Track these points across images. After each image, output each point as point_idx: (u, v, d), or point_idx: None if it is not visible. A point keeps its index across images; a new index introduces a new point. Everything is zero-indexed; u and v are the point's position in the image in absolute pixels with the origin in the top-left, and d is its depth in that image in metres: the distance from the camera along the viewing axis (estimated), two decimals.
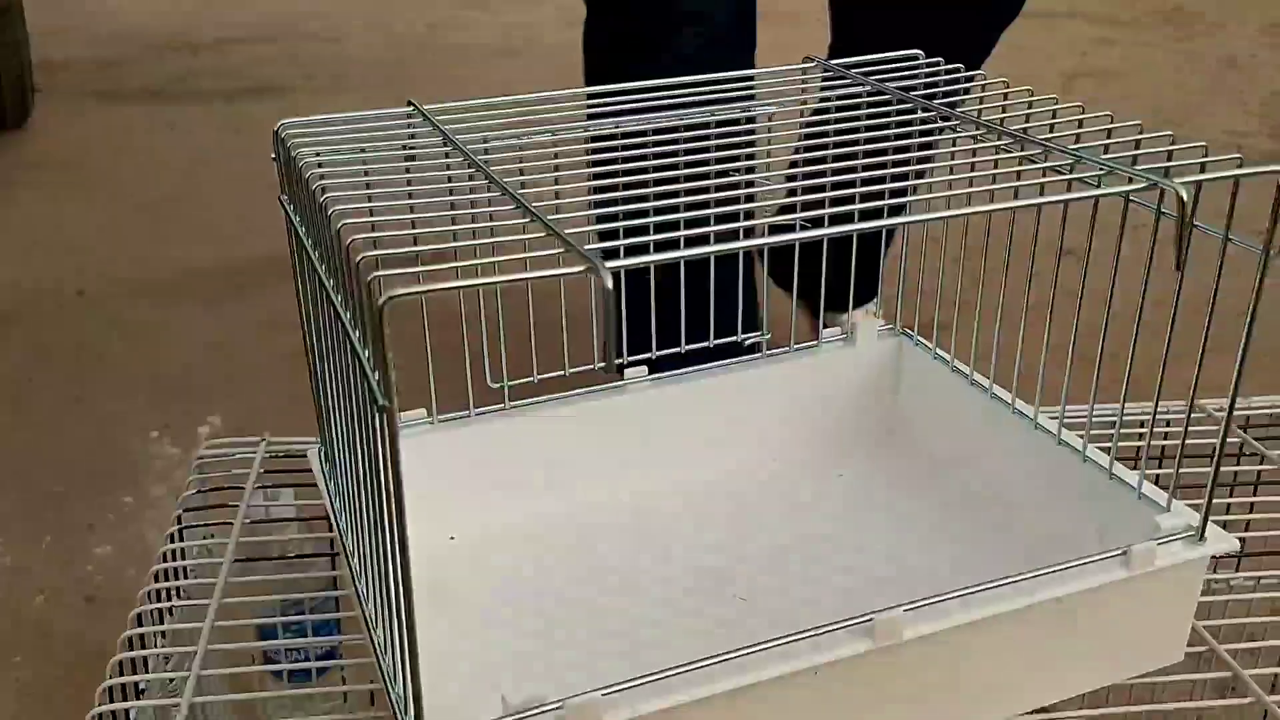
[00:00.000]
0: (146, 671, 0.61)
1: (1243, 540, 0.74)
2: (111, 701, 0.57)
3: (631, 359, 0.71)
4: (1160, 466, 0.69)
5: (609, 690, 0.46)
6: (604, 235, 0.50)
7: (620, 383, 0.70)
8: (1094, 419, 0.62)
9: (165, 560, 0.67)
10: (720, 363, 0.73)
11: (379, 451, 0.41)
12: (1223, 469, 0.81)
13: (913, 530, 0.67)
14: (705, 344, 0.73)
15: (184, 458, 1.36)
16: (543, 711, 0.45)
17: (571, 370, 0.70)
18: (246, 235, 1.91)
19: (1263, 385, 0.83)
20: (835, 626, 0.50)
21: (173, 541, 0.68)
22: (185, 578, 0.67)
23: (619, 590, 0.63)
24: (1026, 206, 0.49)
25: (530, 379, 0.69)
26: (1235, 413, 0.85)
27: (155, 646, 0.62)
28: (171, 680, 0.62)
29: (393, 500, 0.41)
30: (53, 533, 1.28)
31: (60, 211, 2.08)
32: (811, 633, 0.49)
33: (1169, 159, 0.51)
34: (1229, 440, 0.82)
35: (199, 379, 1.56)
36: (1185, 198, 0.46)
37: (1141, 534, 0.55)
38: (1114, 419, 0.63)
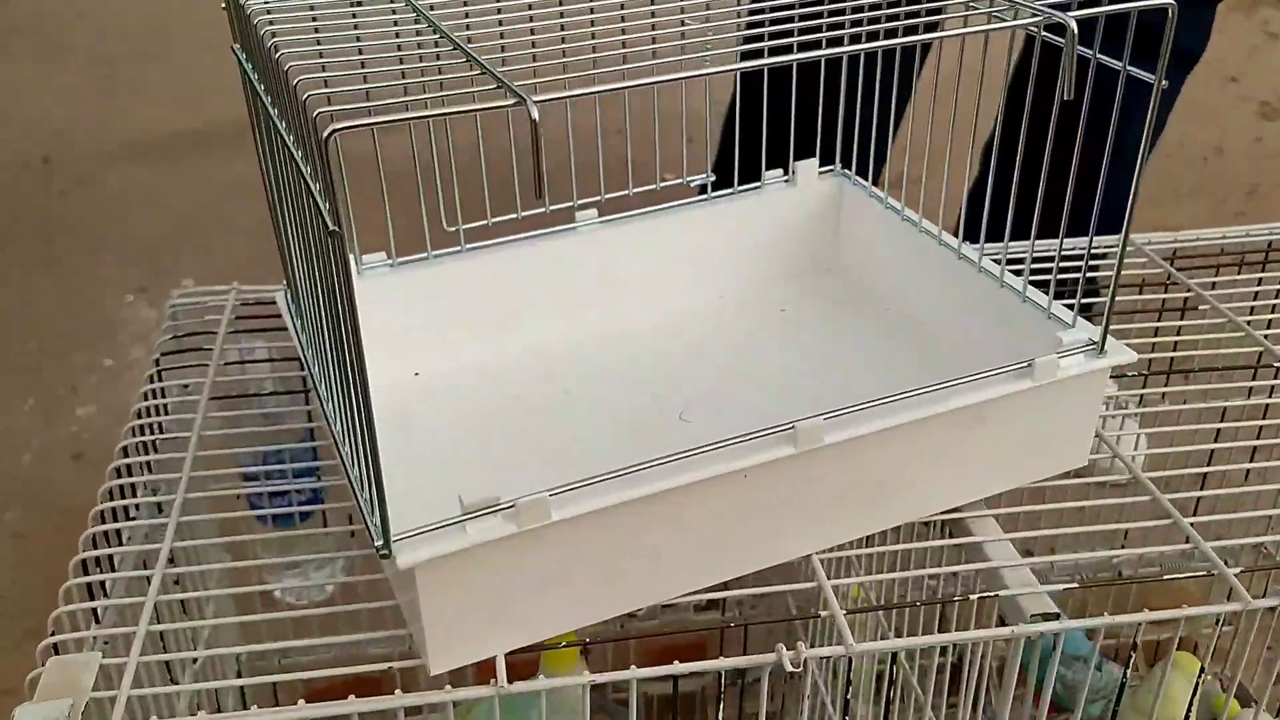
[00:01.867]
0: (129, 520, 0.65)
1: (1170, 360, 0.80)
2: (95, 548, 0.61)
3: (581, 201, 0.74)
4: (1091, 298, 0.74)
5: (556, 491, 0.51)
6: None
7: (572, 225, 0.74)
8: (1033, 253, 0.66)
9: (145, 400, 0.71)
10: (667, 204, 0.76)
11: (335, 277, 0.45)
12: (1152, 296, 0.86)
13: (850, 358, 0.72)
14: (653, 186, 0.76)
15: (161, 319, 1.41)
16: (496, 510, 0.50)
17: (525, 214, 0.73)
18: (211, 96, 1.91)
19: (1197, 219, 0.87)
20: (762, 434, 0.55)
21: (151, 383, 0.73)
22: (166, 414, 0.72)
23: (572, 416, 0.68)
24: (923, 40, 0.52)
25: (485, 222, 0.72)
26: (1162, 246, 0.90)
27: (138, 495, 0.66)
28: (160, 507, 0.66)
29: (349, 324, 0.45)
30: (35, 395, 1.32)
31: (18, 78, 2.06)
32: (740, 439, 0.54)
33: None
34: (1153, 270, 0.87)
35: (171, 242, 1.59)
36: (1073, 28, 0.49)
37: (1049, 349, 0.60)
38: (1052, 253, 0.67)
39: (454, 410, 0.69)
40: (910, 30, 0.51)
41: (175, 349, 0.76)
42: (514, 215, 0.73)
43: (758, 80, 0.63)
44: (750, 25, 0.58)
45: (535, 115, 0.42)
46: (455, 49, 0.49)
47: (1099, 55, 0.54)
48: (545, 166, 0.66)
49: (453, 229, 0.71)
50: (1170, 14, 0.52)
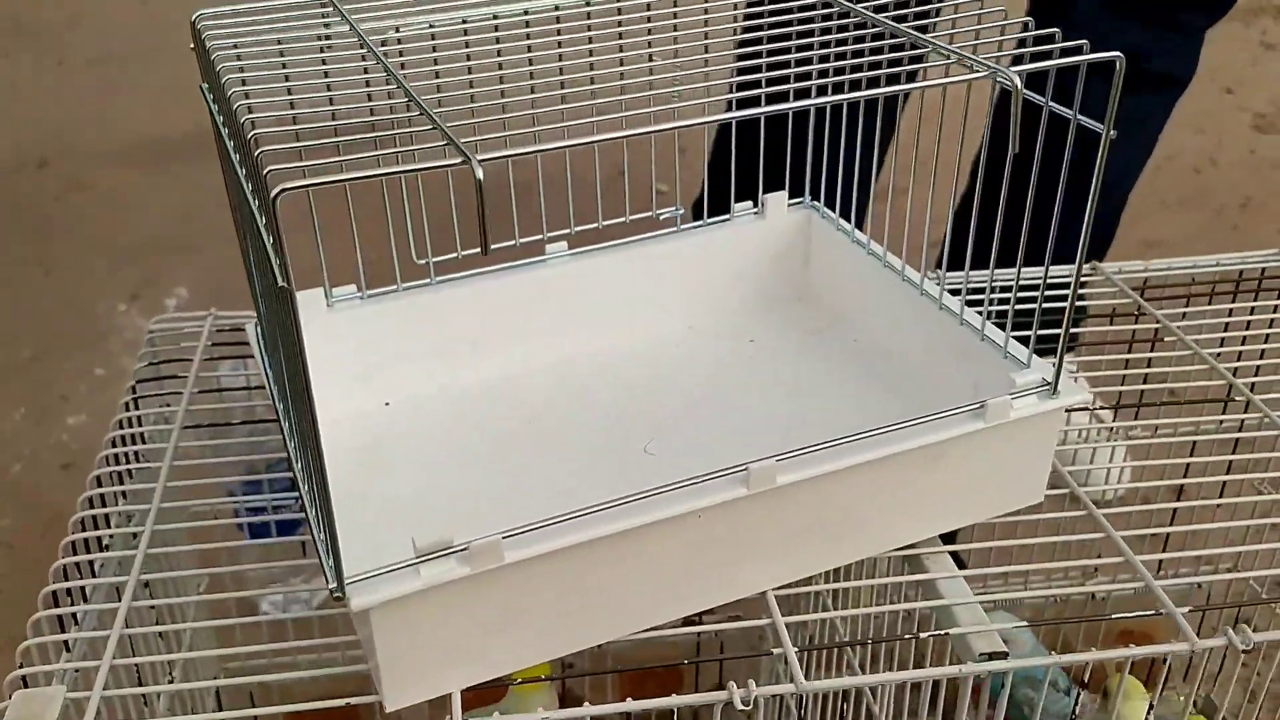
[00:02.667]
0: (109, 528, 0.67)
1: (1140, 392, 0.81)
2: (75, 554, 0.63)
3: (551, 234, 0.75)
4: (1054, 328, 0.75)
5: (509, 533, 0.52)
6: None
7: (541, 258, 0.75)
8: (998, 284, 0.66)
9: (121, 428, 0.72)
10: (637, 236, 0.77)
11: (288, 330, 0.46)
12: (1121, 326, 0.87)
13: (815, 390, 0.73)
14: (623, 219, 0.77)
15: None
16: (449, 552, 0.51)
17: (495, 246, 0.74)
18: (200, 99, 1.92)
19: (1173, 249, 0.88)
20: (715, 475, 0.56)
21: (128, 410, 0.74)
22: (142, 443, 0.73)
23: (540, 449, 0.69)
24: (879, 94, 0.53)
25: (455, 255, 0.73)
26: (1133, 275, 0.91)
27: (115, 505, 0.68)
28: (134, 536, 0.68)
29: (301, 376, 0.46)
30: (26, 403, 1.33)
31: (16, 81, 2.07)
32: (693, 481, 0.55)
33: (1026, 45, 0.55)
34: (1123, 301, 0.88)
35: (165, 249, 1.60)
36: (1017, 84, 0.50)
37: (1008, 388, 0.61)
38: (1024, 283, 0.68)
39: (421, 441, 0.70)
40: (888, 79, 0.52)
41: (152, 375, 0.77)
42: (478, 250, 0.74)
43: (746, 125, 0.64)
44: (740, 70, 0.59)
45: (479, 175, 0.43)
46: (413, 101, 0.50)
47: (1051, 104, 0.55)
48: (514, 196, 0.67)
49: (422, 261, 0.72)
50: (1118, 66, 0.52)
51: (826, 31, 0.61)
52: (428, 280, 0.73)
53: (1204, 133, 1.95)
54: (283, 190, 0.42)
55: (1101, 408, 0.91)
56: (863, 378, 0.73)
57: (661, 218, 0.78)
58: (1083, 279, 0.90)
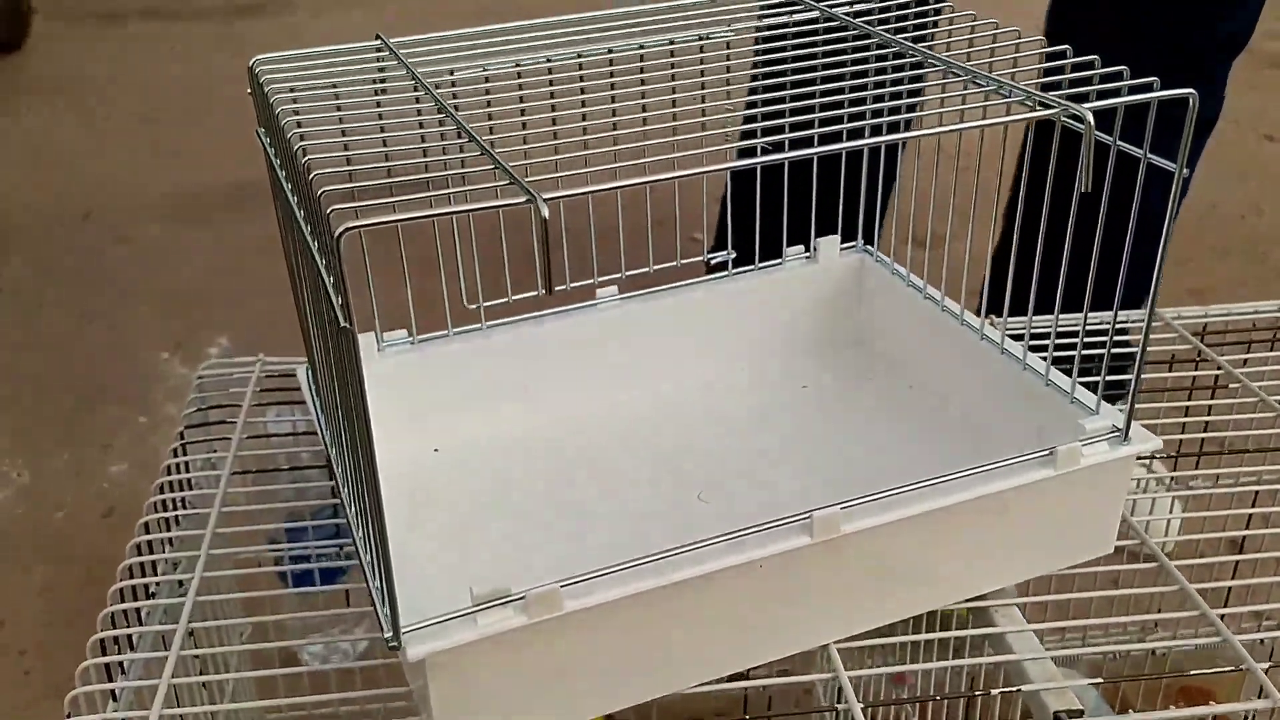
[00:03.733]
0: (156, 575, 0.66)
1: (1201, 441, 0.78)
2: (123, 601, 0.62)
3: (602, 279, 0.74)
4: (1121, 374, 0.73)
5: (567, 582, 0.51)
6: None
7: (592, 302, 0.74)
8: (1058, 329, 0.65)
9: (170, 474, 0.72)
10: (688, 281, 0.76)
11: (347, 372, 0.45)
12: (1181, 373, 0.85)
13: (870, 436, 0.71)
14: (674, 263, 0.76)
15: (195, 377, 1.43)
16: (507, 601, 0.50)
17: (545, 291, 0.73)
18: (248, 156, 1.94)
19: (1221, 295, 0.86)
20: (778, 523, 0.54)
21: (176, 456, 0.73)
22: (190, 489, 0.72)
23: (591, 496, 0.67)
24: (946, 132, 0.52)
25: (505, 300, 0.73)
26: (1192, 320, 0.89)
27: (163, 552, 0.67)
28: (181, 584, 0.67)
29: (361, 421, 0.45)
30: (69, 451, 1.33)
31: (62, 133, 2.10)
32: (756, 529, 0.54)
33: (1095, 83, 0.54)
34: (1182, 347, 0.86)
35: (207, 299, 1.61)
36: (1090, 121, 0.49)
37: (1073, 433, 0.59)
38: (1077, 327, 0.66)
39: (473, 488, 0.69)
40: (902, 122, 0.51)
41: (201, 421, 0.77)
42: (535, 293, 0.73)
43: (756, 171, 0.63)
44: (749, 117, 0.58)
45: (545, 214, 0.42)
46: (472, 141, 0.49)
47: (1119, 143, 0.54)
48: (565, 242, 0.66)
49: (473, 306, 0.71)
50: (1191, 103, 0.51)
51: (855, 62, 0.60)
52: (479, 325, 0.72)
53: (1248, 179, 1.94)
54: (346, 230, 0.41)
55: (1158, 457, 0.89)
56: (921, 424, 0.71)
57: (713, 263, 0.77)
58: (1137, 323, 0.89)
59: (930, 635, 0.63)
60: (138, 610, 0.63)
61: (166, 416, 1.40)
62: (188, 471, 0.73)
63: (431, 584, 0.61)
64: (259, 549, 0.69)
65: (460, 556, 0.63)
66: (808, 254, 0.79)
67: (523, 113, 0.61)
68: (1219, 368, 0.83)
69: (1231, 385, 0.82)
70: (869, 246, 0.79)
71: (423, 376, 0.71)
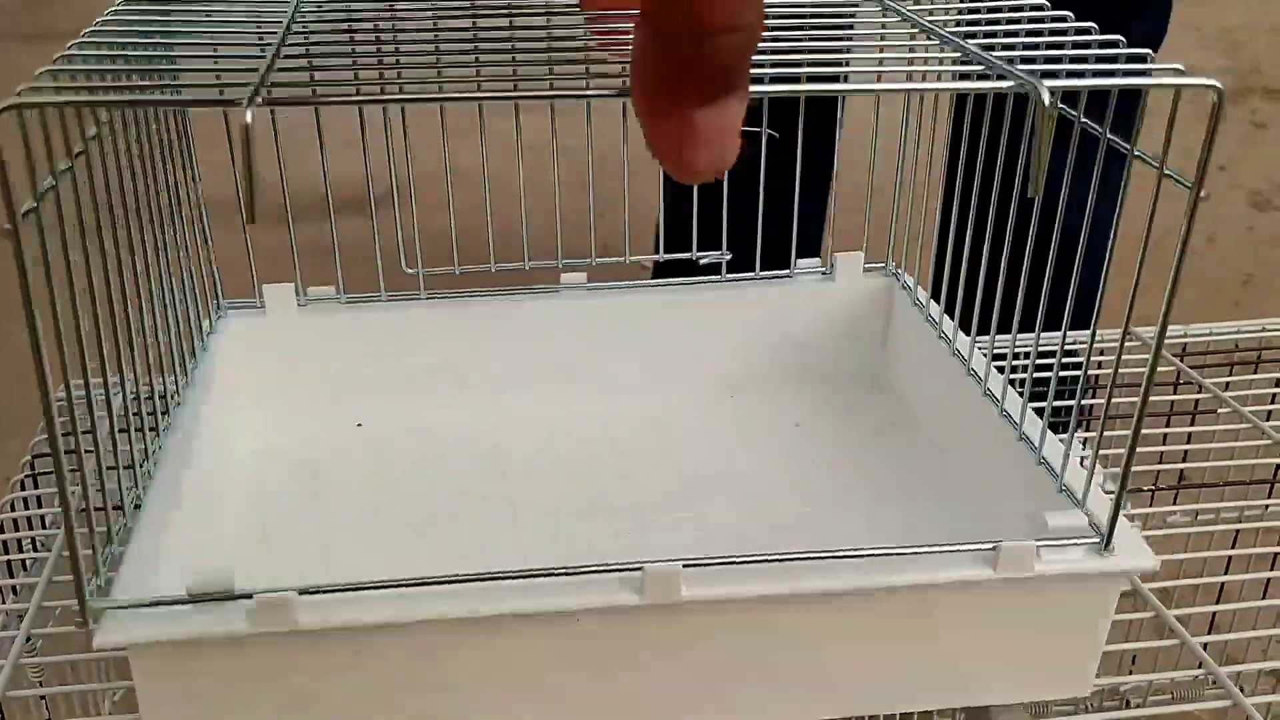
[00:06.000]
0: None
1: (1181, 473, 0.67)
2: None
3: (568, 261, 0.65)
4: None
5: (311, 590, 0.41)
6: None
7: (555, 287, 0.64)
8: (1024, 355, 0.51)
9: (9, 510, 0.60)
10: (675, 280, 0.65)
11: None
12: (1160, 397, 0.70)
13: (844, 499, 0.58)
14: (657, 257, 0.66)
15: None
16: (229, 599, 0.41)
17: (501, 267, 0.64)
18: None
19: (1189, 310, 0.72)
20: (607, 569, 0.43)
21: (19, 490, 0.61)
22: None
23: (500, 504, 0.58)
24: (905, 91, 0.40)
25: (450, 269, 0.64)
26: (1173, 340, 0.74)
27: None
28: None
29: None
30: None
31: None
32: (574, 570, 0.43)
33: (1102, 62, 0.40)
34: (1163, 369, 0.69)
35: None
36: (1047, 100, 0.35)
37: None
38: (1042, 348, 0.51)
39: (375, 472, 0.60)
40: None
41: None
42: (486, 267, 0.64)
43: None
44: None
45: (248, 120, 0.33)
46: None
47: (1083, 119, 0.40)
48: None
49: (412, 271, 0.63)
50: (1217, 98, 0.37)
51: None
52: (416, 293, 0.64)
53: (1200, 211, 1.68)
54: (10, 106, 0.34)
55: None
56: (911, 494, 0.58)
57: (702, 262, 0.65)
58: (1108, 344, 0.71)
59: None
60: None
61: None
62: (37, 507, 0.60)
63: (286, 568, 0.52)
64: None
65: (321, 545, 0.55)
66: (824, 270, 0.66)
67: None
68: (1199, 390, 0.70)
69: (1221, 410, 0.69)
70: (899, 269, 0.65)
71: (352, 342, 0.63)
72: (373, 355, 0.63)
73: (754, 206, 0.62)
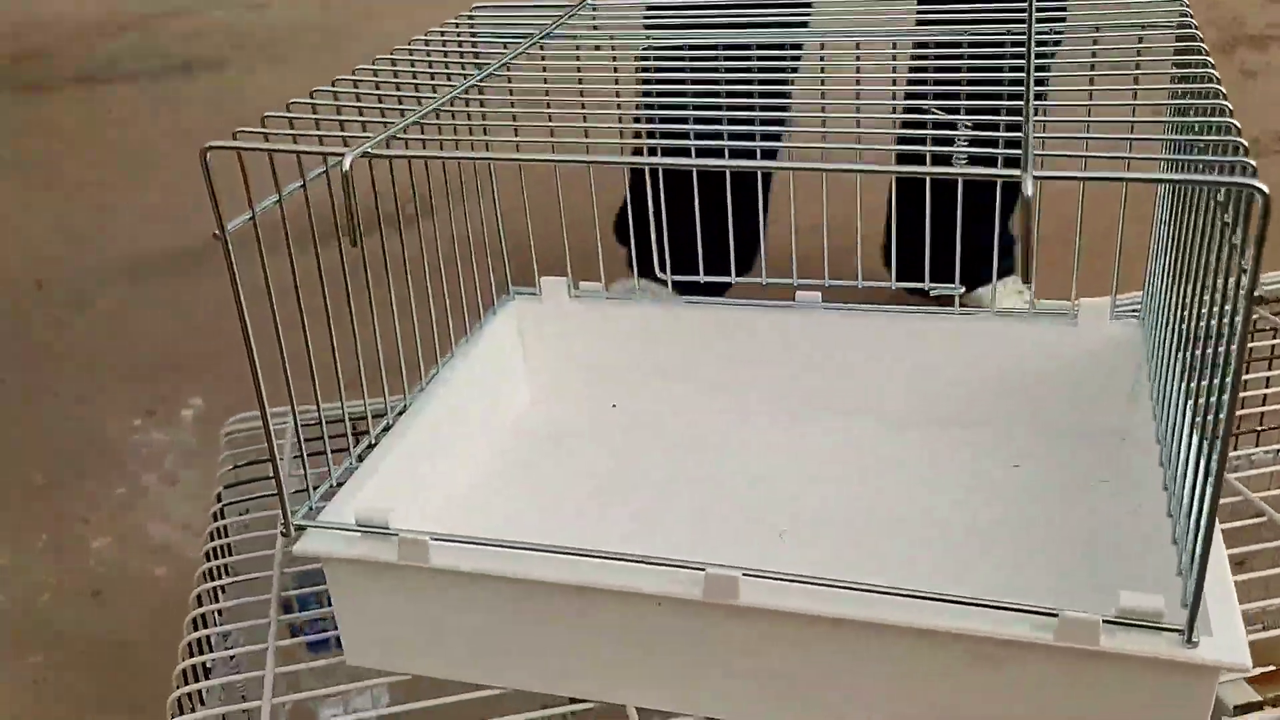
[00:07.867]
0: (211, 650, 0.63)
1: (1261, 415, 0.67)
2: (186, 684, 0.60)
3: (803, 282, 0.67)
4: None
5: (442, 537, 0.50)
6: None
7: (791, 303, 0.68)
8: None
9: (211, 539, 0.69)
10: (906, 307, 0.66)
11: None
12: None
13: (1026, 549, 0.56)
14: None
15: (172, 443, 1.29)
16: (382, 533, 0.51)
17: (739, 280, 0.69)
18: (193, 214, 1.77)
19: None
20: (673, 563, 0.48)
21: (215, 520, 0.70)
22: (232, 554, 0.68)
23: (692, 496, 0.63)
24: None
25: (696, 278, 0.70)
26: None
27: (216, 625, 0.64)
28: (233, 658, 0.63)
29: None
30: (47, 530, 1.20)
31: (7, 205, 1.95)
32: (650, 561, 0.48)
33: None
34: None
35: (173, 361, 1.45)
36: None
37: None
38: None
39: (602, 452, 0.68)
40: None
41: (234, 480, 0.73)
42: (727, 279, 0.69)
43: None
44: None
45: (346, 167, 0.42)
46: None
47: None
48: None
49: (663, 276, 0.70)
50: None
51: None
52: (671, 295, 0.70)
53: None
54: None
55: None
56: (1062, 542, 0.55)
57: (933, 293, 0.65)
58: None
59: None
60: (199, 692, 0.60)
61: (145, 486, 1.25)
62: (228, 536, 0.68)
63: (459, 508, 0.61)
64: (293, 617, 0.63)
65: (527, 506, 0.63)
66: (1068, 313, 0.63)
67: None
68: (1275, 334, 0.72)
69: None
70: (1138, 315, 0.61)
71: (609, 331, 0.70)
72: (629, 347, 0.70)
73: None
